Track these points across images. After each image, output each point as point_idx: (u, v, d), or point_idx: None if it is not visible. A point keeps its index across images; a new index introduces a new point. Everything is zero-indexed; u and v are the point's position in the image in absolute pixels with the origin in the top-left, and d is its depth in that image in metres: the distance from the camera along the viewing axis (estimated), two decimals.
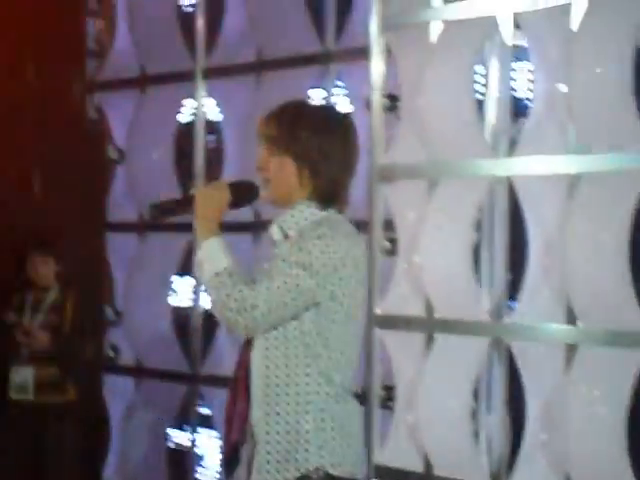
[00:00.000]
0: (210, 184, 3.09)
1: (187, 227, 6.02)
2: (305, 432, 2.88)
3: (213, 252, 2.88)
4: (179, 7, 6.25)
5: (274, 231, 3.02)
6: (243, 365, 2.97)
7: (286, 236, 2.97)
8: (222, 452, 3.04)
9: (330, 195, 2.98)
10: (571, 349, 4.19)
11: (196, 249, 2.93)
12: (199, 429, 6.10)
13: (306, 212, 2.97)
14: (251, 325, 2.85)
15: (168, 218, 3.01)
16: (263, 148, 2.99)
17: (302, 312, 2.88)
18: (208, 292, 2.89)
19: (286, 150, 2.94)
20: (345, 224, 3.00)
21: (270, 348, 2.91)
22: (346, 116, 3.10)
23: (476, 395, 4.60)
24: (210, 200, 2.93)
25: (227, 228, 5.76)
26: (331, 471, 2.90)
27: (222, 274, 2.85)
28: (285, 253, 2.89)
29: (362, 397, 4.96)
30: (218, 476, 6.01)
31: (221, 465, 3.06)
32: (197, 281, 2.87)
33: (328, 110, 3.13)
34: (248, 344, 2.97)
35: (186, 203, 2.95)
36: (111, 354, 6.46)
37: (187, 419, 6.17)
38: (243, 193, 2.99)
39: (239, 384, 2.96)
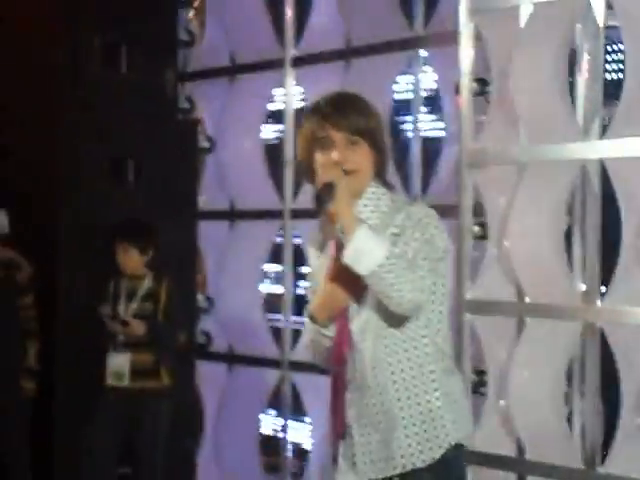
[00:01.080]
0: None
1: (275, 214, 6.16)
2: (437, 409, 2.92)
3: (372, 237, 2.86)
4: None
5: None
6: (343, 359, 2.97)
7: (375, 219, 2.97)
8: (331, 444, 3.06)
9: (386, 169, 3.04)
10: None
11: (347, 237, 2.85)
12: (291, 415, 6.15)
13: (374, 198, 2.97)
14: (422, 304, 2.88)
15: (323, 210, 2.95)
16: (339, 139, 2.94)
17: None
18: (378, 277, 2.84)
19: (365, 136, 2.96)
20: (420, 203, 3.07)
21: (387, 335, 2.93)
22: None
23: (569, 379, 4.57)
24: (347, 189, 2.91)
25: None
26: (464, 443, 2.96)
27: (391, 257, 2.83)
28: (409, 233, 2.90)
29: None
30: (311, 463, 6.05)
31: (329, 456, 3.07)
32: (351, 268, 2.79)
33: (357, 94, 3.09)
34: (341, 340, 2.98)
35: (329, 189, 2.90)
36: (203, 341, 6.54)
37: (279, 405, 6.22)
38: (330, 193, 2.92)
39: (340, 378, 2.99)
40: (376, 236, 2.88)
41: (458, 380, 3.02)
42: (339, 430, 3.01)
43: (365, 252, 2.85)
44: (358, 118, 2.96)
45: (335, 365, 3.01)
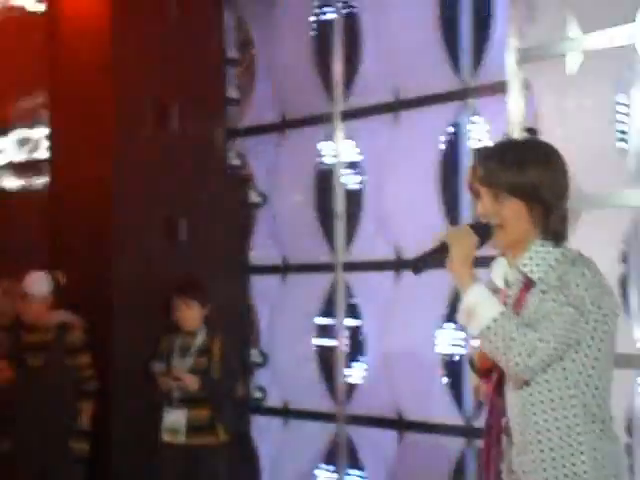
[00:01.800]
0: (455, 228, 3.06)
1: (327, 268, 6.17)
2: (583, 473, 2.85)
3: (483, 297, 2.86)
4: (316, 51, 6.33)
5: (507, 272, 2.99)
6: (496, 411, 2.96)
7: (528, 280, 2.93)
8: None
9: (562, 231, 2.95)
10: None
11: (461, 296, 2.90)
12: (348, 470, 6.11)
13: (542, 252, 2.93)
14: (539, 367, 2.84)
15: (427, 269, 3.00)
16: (483, 193, 2.95)
17: (564, 360, 2.86)
18: (486, 338, 2.83)
19: (514, 191, 2.91)
20: (588, 260, 2.95)
21: (534, 394, 2.89)
22: (554, 147, 3.03)
23: (629, 430, 4.49)
24: (463, 244, 2.92)
25: (369, 266, 5.89)
26: None
27: (501, 319, 2.83)
28: (551, 294, 2.85)
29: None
30: None
31: None
32: (463, 329, 2.82)
33: (542, 144, 3.03)
34: (497, 390, 2.97)
35: (441, 251, 2.94)
36: (259, 395, 6.53)
37: (335, 459, 6.18)
38: (484, 234, 2.96)
39: (493, 430, 2.97)
40: (489, 297, 2.86)
41: (612, 445, 2.91)
42: None
43: (476, 312, 2.86)
44: (507, 173, 2.90)
45: (488, 415, 2.99)
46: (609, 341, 2.89)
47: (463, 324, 2.89)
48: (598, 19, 4.47)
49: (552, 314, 2.81)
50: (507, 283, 2.99)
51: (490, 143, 5.34)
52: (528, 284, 2.91)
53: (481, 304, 2.85)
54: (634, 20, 4.36)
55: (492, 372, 2.94)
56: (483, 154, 3.00)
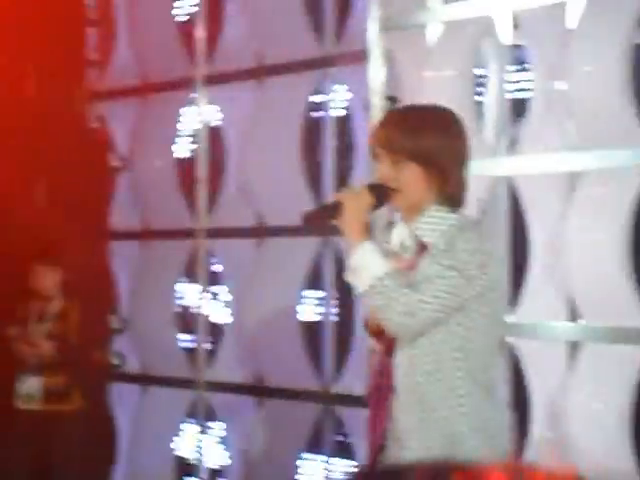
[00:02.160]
0: (351, 189, 3.07)
1: (188, 234, 6.14)
2: (460, 434, 2.89)
3: (370, 256, 2.88)
4: (178, 14, 6.26)
5: (404, 236, 3.01)
6: (386, 372, 2.97)
7: (422, 245, 2.95)
8: (367, 458, 3.03)
9: (459, 197, 2.98)
10: (574, 346, 4.20)
11: (349, 254, 2.92)
12: (203, 438, 6.11)
13: (436, 217, 2.95)
14: (419, 328, 2.86)
15: (319, 226, 3.01)
16: (383, 157, 2.97)
17: (449, 324, 2.90)
18: (370, 297, 2.87)
19: (413, 157, 2.93)
20: (483, 227, 3.00)
21: (419, 355, 2.91)
22: (457, 114, 3.06)
23: None
24: (356, 204, 2.93)
25: (231, 233, 5.88)
26: None
27: (385, 277, 2.85)
28: (438, 258, 2.88)
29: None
30: None
31: (363, 470, 3.05)
32: (351, 287, 2.84)
33: (443, 110, 3.04)
34: (387, 353, 2.98)
35: (333, 210, 2.95)
36: (117, 362, 6.47)
37: (195, 427, 6.17)
38: (381, 195, 2.98)
39: (382, 392, 2.98)
40: (377, 256, 2.88)
41: (494, 411, 2.95)
42: (378, 443, 2.98)
43: (362, 270, 2.88)
44: (406, 138, 2.92)
45: (378, 376, 3.00)
46: (495, 307, 2.93)
47: (350, 282, 2.90)
48: None
49: (436, 277, 2.85)
50: (404, 248, 3.01)
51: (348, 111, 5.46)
52: (422, 248, 2.95)
53: (367, 262, 2.87)
54: None
55: (384, 333, 2.96)
56: (385, 118, 3.03)
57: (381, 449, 2.98)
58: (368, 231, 2.94)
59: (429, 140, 2.93)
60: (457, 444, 2.88)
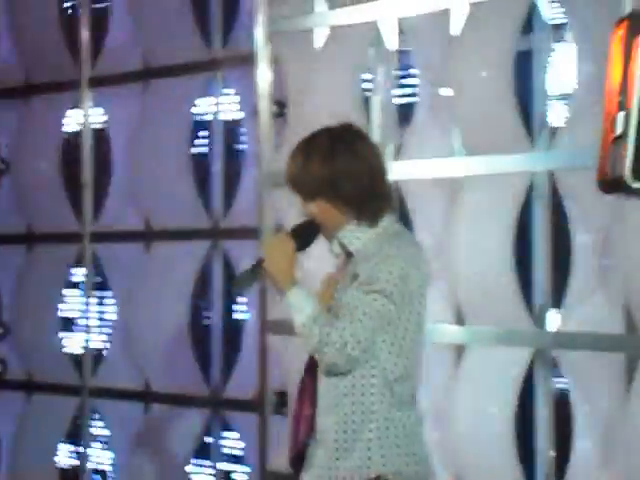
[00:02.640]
0: (273, 237, 3.12)
1: (74, 237, 6.05)
2: (368, 440, 2.92)
3: (296, 303, 2.92)
4: (63, 15, 6.16)
5: (334, 246, 3.03)
6: (311, 371, 3.01)
7: (348, 253, 2.98)
8: (290, 451, 3.06)
9: (377, 215, 2.98)
10: (460, 349, 4.25)
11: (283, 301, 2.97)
12: (91, 444, 6.02)
13: (357, 230, 2.97)
14: (349, 360, 2.88)
15: (250, 285, 3.05)
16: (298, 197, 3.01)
17: None
18: (304, 337, 2.91)
19: (311, 194, 2.95)
20: (405, 234, 3.02)
21: (336, 381, 2.94)
22: (349, 128, 3.05)
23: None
24: (278, 255, 2.95)
25: (117, 236, 5.81)
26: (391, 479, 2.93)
27: (307, 323, 2.89)
28: (364, 280, 2.90)
29: (256, 404, 4.97)
30: None
31: (290, 464, 3.08)
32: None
33: (329, 132, 3.02)
34: (308, 370, 3.03)
35: (258, 265, 2.98)
36: None
37: (78, 434, 6.08)
38: (306, 235, 2.99)
39: (306, 389, 3.02)
40: (302, 302, 2.91)
41: (412, 419, 2.97)
42: (301, 439, 3.02)
43: (295, 313, 2.92)
44: (300, 177, 2.95)
45: (304, 377, 3.04)
46: (416, 317, 2.96)
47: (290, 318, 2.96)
48: None
49: (355, 304, 2.88)
50: (335, 254, 3.05)
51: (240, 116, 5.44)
52: (348, 256, 3.00)
53: (295, 309, 2.92)
54: None
55: None
56: (289, 156, 3.03)
57: (304, 444, 3.02)
58: (295, 277, 2.95)
59: (315, 173, 2.94)
60: (364, 450, 2.92)
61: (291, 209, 4.84)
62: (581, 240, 4.02)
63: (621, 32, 2.60)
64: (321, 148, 2.96)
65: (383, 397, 2.93)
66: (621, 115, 2.52)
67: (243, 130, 5.51)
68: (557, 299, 4.11)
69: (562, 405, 4.07)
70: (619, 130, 2.51)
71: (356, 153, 2.96)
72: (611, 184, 2.61)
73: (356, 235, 2.97)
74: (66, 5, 6.20)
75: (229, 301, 5.47)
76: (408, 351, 2.95)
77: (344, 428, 2.93)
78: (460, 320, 4.25)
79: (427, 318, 3.01)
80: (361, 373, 2.93)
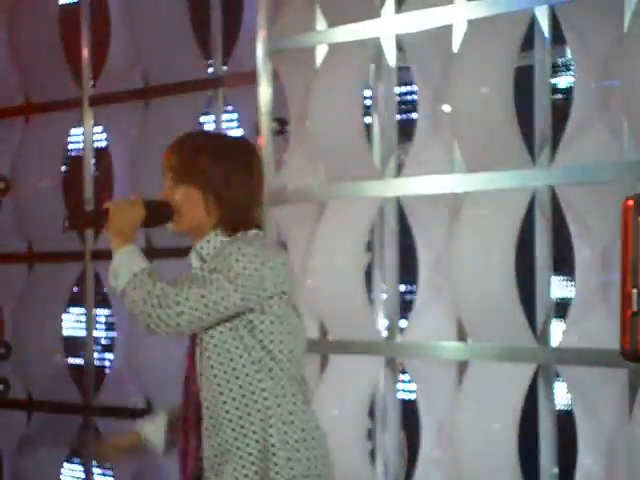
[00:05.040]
0: (125, 199, 3.09)
1: (77, 256, 6.04)
2: (271, 446, 2.88)
3: (129, 257, 2.91)
4: (62, 34, 6.17)
5: (192, 258, 3.03)
6: (191, 398, 2.96)
7: (204, 261, 2.98)
8: None
9: (236, 221, 2.99)
10: (463, 366, 4.24)
11: (112, 259, 2.94)
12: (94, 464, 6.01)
13: (215, 240, 2.98)
14: (174, 321, 2.84)
15: (83, 230, 3.04)
16: (168, 178, 3.01)
17: (238, 329, 2.90)
18: (127, 294, 2.88)
19: (189, 179, 2.96)
20: (257, 238, 3.00)
21: (218, 375, 2.91)
22: (248, 142, 3.12)
23: (372, 414, 4.62)
24: (124, 214, 2.94)
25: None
26: None
27: (140, 274, 2.87)
28: (209, 264, 2.90)
29: None
30: None
31: None
32: (113, 291, 2.90)
33: (229, 138, 3.15)
34: (189, 377, 2.98)
35: (101, 215, 2.96)
36: (0, 388, 6.33)
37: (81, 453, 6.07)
38: (157, 211, 2.99)
39: (189, 418, 2.97)
40: (136, 256, 2.91)
41: (309, 416, 2.95)
42: (189, 471, 2.97)
43: (121, 269, 2.89)
44: (181, 159, 2.97)
45: (186, 405, 2.99)
46: (283, 318, 2.93)
47: (112, 285, 2.92)
48: (345, 13, 4.56)
49: (197, 277, 2.87)
50: (192, 267, 3.03)
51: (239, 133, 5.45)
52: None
53: (126, 262, 2.90)
54: (379, 16, 4.47)
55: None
56: (174, 141, 3.05)
57: (193, 477, 2.97)
58: (133, 240, 2.95)
59: (202, 162, 2.97)
60: (269, 458, 2.88)
61: (293, 225, 4.87)
62: (583, 255, 4.02)
63: (632, 210, 2.68)
64: (216, 143, 3.04)
65: (277, 399, 2.90)
66: (634, 292, 2.66)
67: None
68: (559, 315, 4.11)
69: (566, 421, 4.06)
70: (634, 307, 2.67)
71: (246, 162, 3.03)
72: (632, 356, 2.78)
73: (214, 245, 2.98)
74: (66, 24, 6.20)
75: None
76: (286, 347, 2.93)
77: (246, 442, 2.89)
78: (462, 336, 4.24)
79: (298, 318, 2.97)
80: (248, 381, 2.89)
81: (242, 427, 2.89)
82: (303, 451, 2.91)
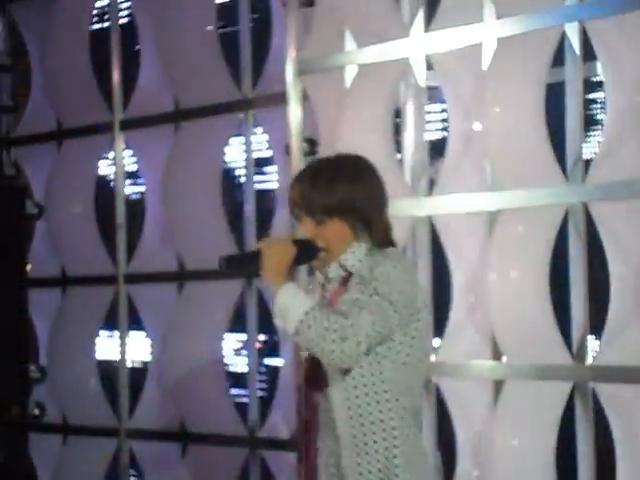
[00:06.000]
0: (276, 238, 3.11)
1: (110, 280, 6.06)
2: (395, 467, 2.91)
3: (293, 296, 2.90)
4: (94, 59, 6.22)
5: (331, 269, 3.02)
6: (312, 408, 3.00)
7: (347, 276, 2.99)
8: None
9: (385, 239, 3.02)
10: (498, 385, 4.22)
11: (273, 302, 2.94)
12: None
13: (360, 252, 2.98)
14: (355, 352, 2.85)
15: (237, 271, 3.04)
16: (303, 217, 3.00)
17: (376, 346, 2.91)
18: (301, 333, 2.87)
19: (334, 212, 2.96)
20: (402, 255, 3.07)
21: (349, 389, 2.93)
22: (366, 159, 3.10)
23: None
24: (277, 254, 2.95)
25: (151, 278, 5.82)
26: None
27: (312, 311, 2.86)
28: (361, 285, 2.92)
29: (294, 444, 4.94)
30: None
31: None
32: (281, 332, 2.95)
33: (350, 159, 3.08)
34: (310, 383, 3.00)
35: (254, 257, 2.98)
36: (36, 412, 6.35)
37: (117, 476, 6.07)
38: (307, 250, 3.00)
39: (310, 427, 3.01)
40: (300, 294, 2.90)
41: (421, 442, 3.00)
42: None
43: (288, 311, 2.89)
44: (320, 195, 2.95)
45: (306, 408, 3.04)
46: (420, 337, 2.97)
47: (281, 327, 2.93)
48: (374, 33, 4.57)
49: (362, 303, 2.87)
50: (328, 279, 3.03)
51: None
52: (347, 277, 2.99)
53: (292, 302, 2.89)
54: (408, 35, 4.48)
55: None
56: (297, 176, 3.05)
57: None
58: (289, 278, 2.95)
59: (345, 192, 2.96)
60: (393, 478, 2.91)
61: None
62: (617, 271, 3.99)
63: None
64: (346, 169, 3.01)
65: (403, 421, 2.92)
66: None
67: (275, 169, 5.52)
68: (595, 331, 4.07)
69: (604, 439, 4.02)
70: None
71: (376, 179, 3.04)
72: None
73: (358, 257, 2.98)
74: (97, 48, 6.25)
75: (266, 339, 5.48)
76: (414, 371, 2.96)
77: (367, 459, 2.91)
78: (497, 355, 4.22)
79: (429, 342, 3.02)
80: (376, 399, 2.91)
81: (366, 444, 2.92)
82: (422, 475, 2.95)
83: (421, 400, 3.02)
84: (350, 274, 2.98)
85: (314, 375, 2.99)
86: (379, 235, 3.00)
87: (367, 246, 2.99)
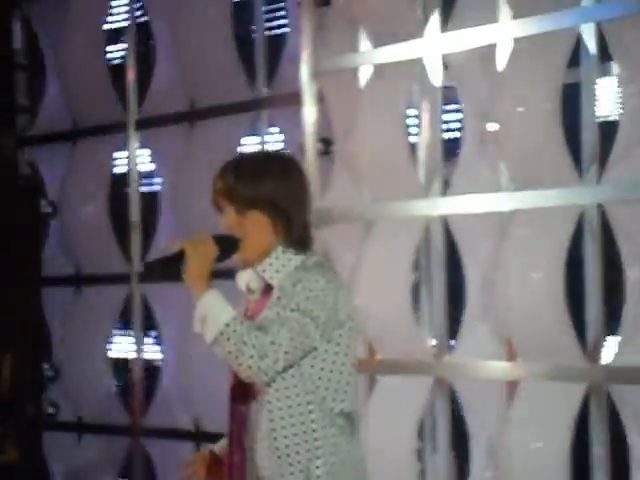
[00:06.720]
0: (196, 238, 3.02)
1: (124, 279, 6.08)
2: (316, 477, 2.88)
3: (216, 304, 2.86)
4: (109, 59, 6.24)
5: (250, 279, 3.01)
6: (238, 417, 2.96)
7: (268, 285, 2.96)
8: None
9: (304, 239, 2.99)
10: (512, 385, 4.21)
11: (195, 305, 2.89)
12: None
13: (282, 258, 2.96)
14: (272, 370, 2.84)
15: (163, 274, 3.01)
16: (226, 207, 2.98)
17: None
18: (220, 344, 2.84)
19: (255, 204, 2.94)
20: (326, 266, 3.00)
21: (272, 400, 2.90)
22: (295, 159, 3.11)
23: (421, 435, 4.60)
24: (201, 254, 2.91)
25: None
26: None
27: (233, 324, 2.83)
28: (283, 301, 2.88)
29: None
30: None
31: None
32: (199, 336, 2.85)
33: (279, 157, 3.12)
34: (235, 397, 2.97)
35: (178, 258, 2.94)
36: (51, 411, 6.37)
37: (131, 474, 6.09)
38: (227, 246, 2.97)
39: (234, 436, 2.97)
40: (222, 303, 2.86)
41: (356, 448, 2.95)
42: None
43: (208, 320, 2.85)
44: (244, 186, 2.94)
45: (231, 423, 2.98)
46: (345, 343, 2.93)
47: (199, 333, 2.88)
48: (388, 34, 4.57)
49: (283, 319, 2.85)
50: (250, 290, 3.01)
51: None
52: (268, 289, 2.96)
53: (213, 311, 2.85)
54: (422, 36, 4.48)
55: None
56: (222, 168, 3.02)
57: None
58: (211, 280, 2.91)
59: (269, 186, 2.95)
60: None
61: (339, 246, 4.87)
62: (633, 272, 3.98)
63: None
64: (273, 164, 3.00)
65: (325, 430, 2.88)
66: None
67: None
68: (610, 332, 4.07)
69: (619, 441, 4.02)
70: None
71: (301, 179, 3.02)
72: None
73: (276, 268, 2.94)
74: (111, 49, 6.26)
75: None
76: (342, 378, 2.92)
77: (290, 470, 2.87)
78: (511, 356, 4.21)
79: (355, 348, 2.97)
80: (299, 410, 2.88)
81: (288, 456, 2.89)
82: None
83: (356, 405, 2.95)
84: (270, 285, 2.95)
85: (239, 387, 2.96)
86: (297, 233, 2.96)
87: (287, 256, 2.95)
